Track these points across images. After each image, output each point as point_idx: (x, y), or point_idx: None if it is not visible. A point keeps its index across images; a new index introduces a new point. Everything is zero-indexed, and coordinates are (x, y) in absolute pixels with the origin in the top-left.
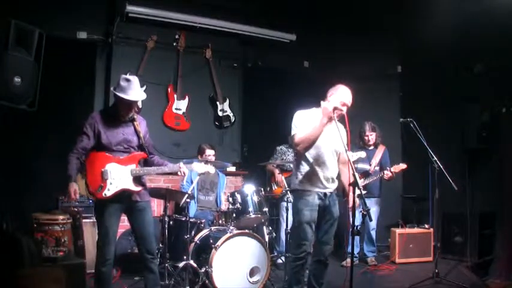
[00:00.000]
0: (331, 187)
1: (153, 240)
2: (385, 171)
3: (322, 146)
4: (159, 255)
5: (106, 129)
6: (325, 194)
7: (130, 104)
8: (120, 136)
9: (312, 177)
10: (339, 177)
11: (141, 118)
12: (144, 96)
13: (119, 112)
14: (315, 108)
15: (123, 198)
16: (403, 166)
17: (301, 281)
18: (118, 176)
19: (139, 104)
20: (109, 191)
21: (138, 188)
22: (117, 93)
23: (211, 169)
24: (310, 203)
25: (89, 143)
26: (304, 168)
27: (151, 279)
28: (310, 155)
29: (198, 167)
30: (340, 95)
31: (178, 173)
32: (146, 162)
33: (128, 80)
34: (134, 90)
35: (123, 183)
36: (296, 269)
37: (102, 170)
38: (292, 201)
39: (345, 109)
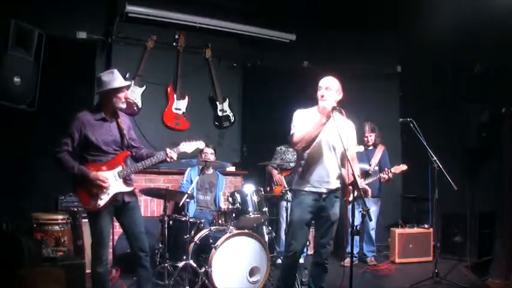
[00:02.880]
0: (328, 187)
1: (145, 237)
2: (382, 175)
3: (319, 145)
4: (158, 255)
5: (94, 131)
6: (320, 194)
7: (123, 92)
8: (109, 137)
9: (307, 176)
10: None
11: (124, 115)
12: (128, 82)
13: (111, 107)
14: (316, 107)
15: (115, 200)
16: (403, 167)
17: (288, 284)
18: (108, 182)
19: (139, 104)
20: (102, 200)
21: (130, 188)
22: (109, 88)
23: (200, 144)
24: (303, 202)
25: (72, 147)
26: (301, 167)
27: (145, 276)
28: (307, 154)
29: (186, 146)
30: (319, 84)
31: (167, 159)
32: (135, 157)
33: (110, 73)
34: (120, 78)
35: (113, 188)
36: (285, 268)
37: (90, 185)
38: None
39: (330, 94)
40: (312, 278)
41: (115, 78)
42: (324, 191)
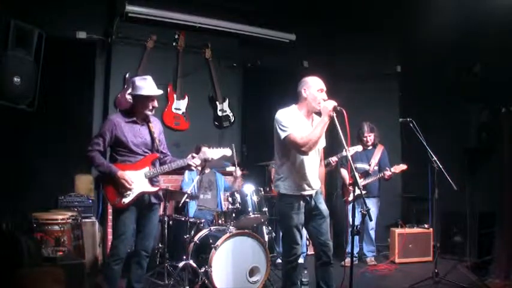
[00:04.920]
0: (316, 187)
1: (152, 240)
2: (385, 172)
3: None
4: (158, 255)
5: (124, 132)
6: (310, 196)
7: (153, 100)
8: (138, 139)
9: (297, 180)
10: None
11: (155, 118)
12: (160, 91)
13: (140, 112)
14: (294, 105)
15: (141, 200)
16: (403, 167)
17: (296, 282)
18: (134, 182)
19: None
20: (127, 198)
21: (155, 188)
22: (139, 93)
23: (227, 152)
24: (296, 206)
25: (104, 147)
26: (289, 171)
27: (138, 275)
28: (295, 157)
29: (210, 153)
30: (316, 85)
31: (191, 163)
32: (159, 162)
33: (144, 79)
34: (151, 86)
35: (139, 187)
36: (289, 271)
37: (118, 181)
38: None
39: (324, 95)
40: (323, 279)
41: (146, 86)
42: (314, 192)
